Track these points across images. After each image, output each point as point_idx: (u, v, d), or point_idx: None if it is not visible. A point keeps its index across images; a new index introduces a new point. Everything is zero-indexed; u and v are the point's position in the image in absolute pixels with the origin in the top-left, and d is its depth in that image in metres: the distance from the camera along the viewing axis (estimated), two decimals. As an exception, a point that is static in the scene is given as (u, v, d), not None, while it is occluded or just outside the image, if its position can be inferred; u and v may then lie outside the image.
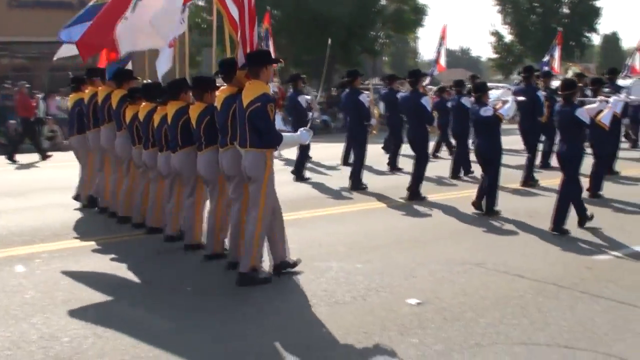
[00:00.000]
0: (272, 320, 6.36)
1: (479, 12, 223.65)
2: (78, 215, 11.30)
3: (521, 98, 11.92)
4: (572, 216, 9.65)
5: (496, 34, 54.37)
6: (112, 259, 8.66)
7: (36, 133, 21.31)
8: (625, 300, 6.72)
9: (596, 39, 62.80)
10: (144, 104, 9.45)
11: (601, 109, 10.42)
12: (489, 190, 10.83)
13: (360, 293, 7.06)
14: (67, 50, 11.00)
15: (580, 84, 11.95)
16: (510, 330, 5.97)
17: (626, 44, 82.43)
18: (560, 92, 9.90)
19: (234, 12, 7.86)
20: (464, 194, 12.48)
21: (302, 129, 8.19)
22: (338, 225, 10.35)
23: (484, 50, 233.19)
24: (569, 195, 9.66)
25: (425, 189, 12.57)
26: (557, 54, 20.40)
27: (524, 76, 13.89)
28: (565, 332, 5.92)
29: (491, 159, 10.81)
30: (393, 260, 8.24)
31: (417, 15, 40.36)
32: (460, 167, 14.87)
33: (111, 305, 7.00)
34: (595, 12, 53.02)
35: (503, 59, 54.86)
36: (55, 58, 11.91)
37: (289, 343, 5.82)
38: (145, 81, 10.61)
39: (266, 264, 7.68)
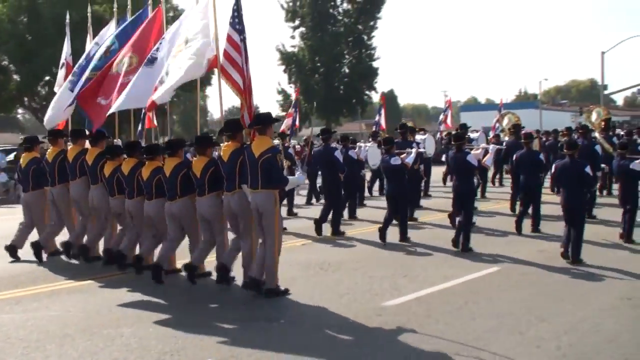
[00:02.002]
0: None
1: (266, 71, 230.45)
2: (33, 264, 11.79)
3: (421, 149, 15.52)
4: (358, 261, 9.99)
5: (283, 92, 55.95)
6: (128, 291, 9.65)
7: None
8: (412, 343, 7.01)
9: (375, 97, 66.65)
10: (127, 159, 10.71)
11: (483, 155, 13.61)
12: (401, 221, 13.24)
13: (154, 358, 6.78)
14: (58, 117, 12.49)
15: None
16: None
17: (402, 100, 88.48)
18: (453, 142, 12.71)
19: (239, 80, 9.48)
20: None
21: (298, 172, 10.42)
22: (126, 288, 9.86)
23: (272, 108, 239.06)
24: (469, 220, 12.28)
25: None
26: (382, 113, 22.46)
27: (401, 132, 16.63)
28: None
29: (401, 198, 13.24)
30: (186, 321, 8.00)
31: (205, 73, 40.39)
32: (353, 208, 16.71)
33: (157, 321, 8.15)
34: (374, 72, 56.43)
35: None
36: (48, 127, 12.59)
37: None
38: (115, 140, 12.42)
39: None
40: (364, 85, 55.57)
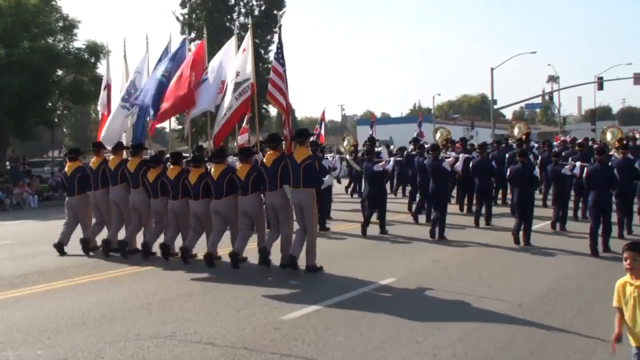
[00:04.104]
0: None
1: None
2: (90, 256, 13.66)
3: (399, 158, 19.93)
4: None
5: (179, 105, 55.01)
6: (187, 272, 11.67)
7: None
8: (310, 356, 6.98)
9: (273, 110, 66.64)
10: (171, 167, 12.97)
11: (454, 161, 16.77)
12: (381, 217, 15.83)
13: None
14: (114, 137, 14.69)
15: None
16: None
17: (299, 114, 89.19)
18: (431, 152, 15.63)
19: (283, 102, 12.12)
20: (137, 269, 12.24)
21: (328, 175, 13.03)
22: (13, 309, 9.43)
23: (165, 121, 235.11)
24: (444, 216, 14.86)
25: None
26: (323, 127, 24.86)
27: (370, 144, 19.42)
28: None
29: (381, 200, 15.86)
30: (79, 342, 7.68)
31: (97, 86, 38.62)
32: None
33: (45, 344, 7.75)
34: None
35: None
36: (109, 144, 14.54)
37: None
38: (151, 151, 14.66)
39: None
40: (261, 98, 55.41)
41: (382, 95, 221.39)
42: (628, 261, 5.13)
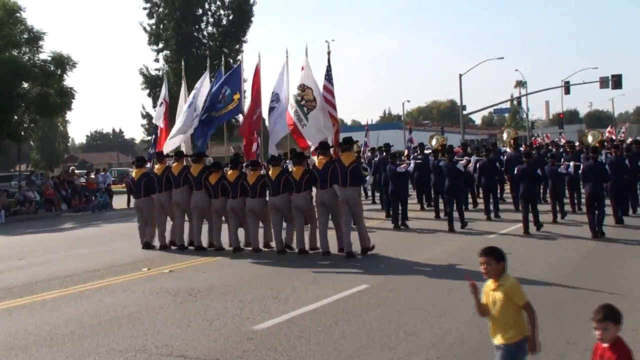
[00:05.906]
0: None
1: (130, 95, 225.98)
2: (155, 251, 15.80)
3: (418, 161, 21.02)
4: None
5: (147, 116, 54.70)
6: (156, 284, 11.72)
7: None
8: (284, 366, 6.90)
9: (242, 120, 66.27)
10: (230, 171, 15.10)
11: (466, 163, 19.02)
12: (403, 212, 18.23)
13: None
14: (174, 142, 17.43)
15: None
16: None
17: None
18: (446, 155, 17.92)
19: (335, 115, 14.90)
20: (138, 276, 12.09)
21: (368, 175, 16.72)
22: None
23: (137, 133, 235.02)
24: (461, 209, 17.45)
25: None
26: None
27: (386, 150, 21.80)
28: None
29: (403, 197, 18.31)
30: (47, 359, 7.55)
31: (63, 98, 38.07)
32: None
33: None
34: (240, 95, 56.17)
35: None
36: (166, 151, 17.23)
37: None
38: (210, 158, 17.41)
39: None
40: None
41: (352, 102, 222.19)
42: (483, 266, 5.18)
